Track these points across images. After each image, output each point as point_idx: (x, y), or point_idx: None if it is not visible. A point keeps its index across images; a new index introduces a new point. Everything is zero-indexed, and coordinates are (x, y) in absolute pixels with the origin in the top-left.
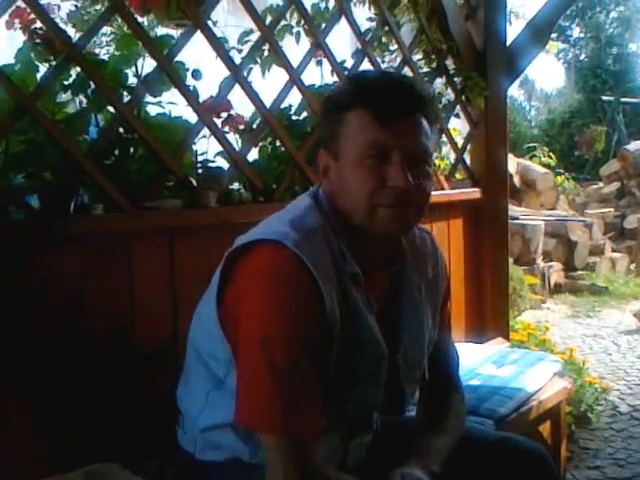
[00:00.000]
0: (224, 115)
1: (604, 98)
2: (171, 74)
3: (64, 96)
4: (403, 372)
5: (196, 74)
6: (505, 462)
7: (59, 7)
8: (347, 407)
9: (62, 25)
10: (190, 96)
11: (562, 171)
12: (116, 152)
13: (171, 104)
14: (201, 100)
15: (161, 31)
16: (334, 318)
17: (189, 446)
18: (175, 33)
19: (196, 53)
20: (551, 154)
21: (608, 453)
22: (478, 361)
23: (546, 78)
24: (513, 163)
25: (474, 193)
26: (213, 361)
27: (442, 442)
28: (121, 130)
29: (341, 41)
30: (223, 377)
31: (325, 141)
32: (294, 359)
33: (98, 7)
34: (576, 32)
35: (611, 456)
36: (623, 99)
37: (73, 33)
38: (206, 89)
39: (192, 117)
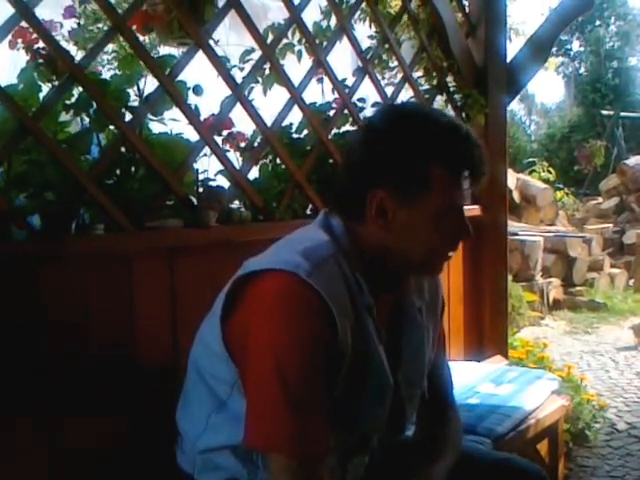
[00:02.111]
0: (225, 133)
1: (604, 112)
2: (173, 94)
3: (65, 115)
4: (405, 392)
5: (197, 90)
6: None
7: (61, 25)
8: (350, 433)
9: (64, 43)
10: (192, 115)
11: (561, 186)
12: (117, 172)
13: (173, 120)
14: (202, 118)
15: (162, 50)
16: (346, 346)
17: (188, 467)
18: (176, 52)
19: (197, 69)
20: (550, 169)
21: (606, 471)
22: (477, 379)
23: (546, 92)
24: (513, 178)
25: (474, 210)
26: (215, 382)
27: (440, 465)
28: (122, 149)
29: (340, 57)
30: (225, 398)
31: (389, 185)
32: (306, 383)
33: (100, 25)
34: (576, 46)
35: (609, 474)
36: (623, 113)
37: (75, 51)
38: (207, 105)
39: (192, 133)
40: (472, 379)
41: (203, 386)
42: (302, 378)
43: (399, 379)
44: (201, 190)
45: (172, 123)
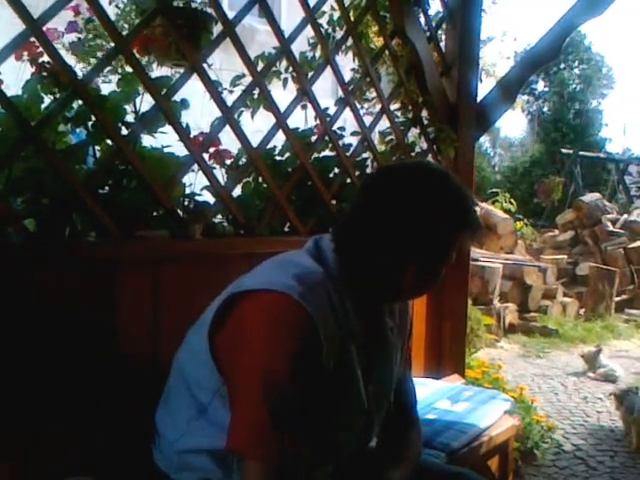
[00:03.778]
0: (212, 150)
1: (563, 151)
2: (168, 113)
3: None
4: (374, 405)
5: (184, 103)
6: None
7: (63, 34)
8: (323, 446)
9: (63, 52)
10: (183, 133)
11: (521, 217)
12: (110, 182)
13: (162, 133)
14: (192, 134)
15: (156, 70)
16: (327, 368)
17: (164, 465)
18: (169, 72)
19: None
20: (512, 200)
21: None
22: (434, 396)
23: (510, 127)
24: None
25: None
26: (198, 388)
27: (400, 471)
28: (115, 162)
29: (319, 84)
30: (206, 404)
31: (426, 259)
32: (288, 398)
33: (99, 41)
34: (540, 86)
35: None
36: (581, 152)
37: (74, 62)
38: (191, 118)
39: (178, 147)
40: (430, 395)
41: (185, 391)
42: (285, 392)
43: (370, 392)
44: (188, 204)
45: (160, 135)
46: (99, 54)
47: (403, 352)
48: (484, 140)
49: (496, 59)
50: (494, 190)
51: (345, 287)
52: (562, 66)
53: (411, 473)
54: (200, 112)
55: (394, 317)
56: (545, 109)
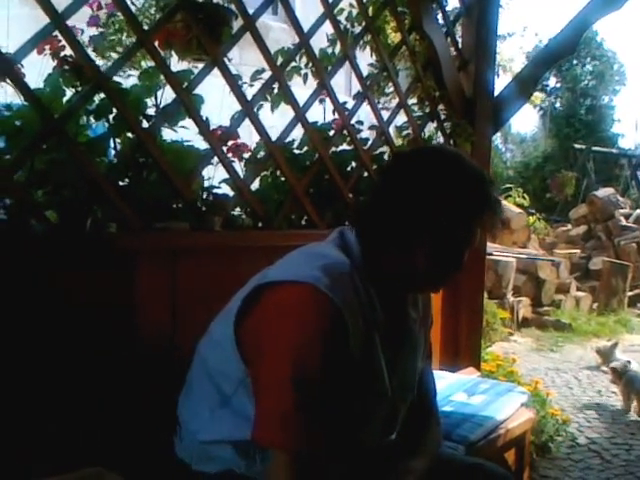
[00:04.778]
0: (230, 143)
1: (576, 146)
2: (189, 106)
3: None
4: (398, 398)
5: (198, 99)
6: None
7: (82, 31)
8: (348, 436)
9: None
10: (204, 127)
11: (534, 212)
12: (130, 174)
13: (183, 127)
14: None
15: (175, 65)
16: (354, 358)
17: (186, 456)
18: (186, 67)
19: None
20: (525, 195)
21: None
22: (451, 388)
23: (522, 123)
24: None
25: None
26: (222, 378)
27: (418, 463)
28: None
29: (334, 79)
30: (230, 395)
31: (443, 238)
32: (315, 388)
33: (120, 36)
34: (552, 82)
35: None
36: (594, 148)
37: (93, 57)
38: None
39: (197, 141)
40: (447, 388)
41: (209, 381)
42: (312, 382)
43: (394, 385)
44: (207, 196)
45: (178, 129)
46: (119, 49)
47: (425, 344)
48: (495, 136)
49: (514, 54)
50: (508, 186)
51: (369, 278)
52: (574, 62)
53: (431, 464)
54: (216, 108)
55: (417, 309)
56: (557, 105)
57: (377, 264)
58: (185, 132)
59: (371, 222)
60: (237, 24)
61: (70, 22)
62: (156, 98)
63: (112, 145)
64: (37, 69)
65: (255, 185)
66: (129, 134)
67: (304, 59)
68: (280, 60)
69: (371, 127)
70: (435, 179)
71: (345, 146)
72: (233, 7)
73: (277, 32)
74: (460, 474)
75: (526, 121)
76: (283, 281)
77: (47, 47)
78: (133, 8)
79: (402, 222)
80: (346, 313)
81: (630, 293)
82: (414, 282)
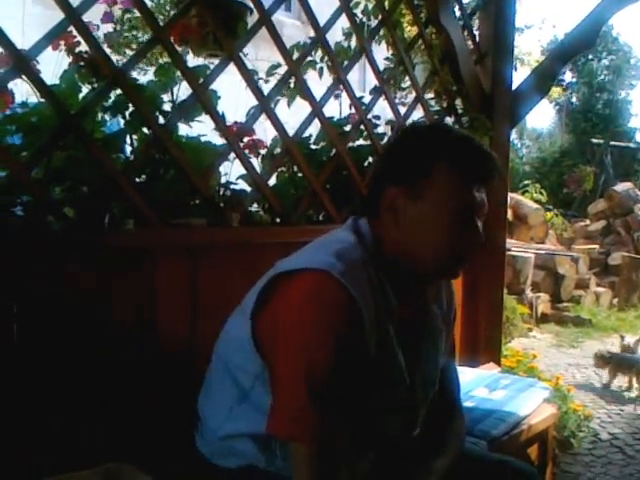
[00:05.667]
0: (246, 139)
1: (594, 141)
2: (205, 102)
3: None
4: (420, 394)
5: (214, 95)
6: None
7: (98, 27)
8: (367, 428)
9: None
10: (220, 122)
11: (551, 207)
12: (146, 171)
13: (199, 122)
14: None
15: (190, 61)
16: (370, 346)
17: (207, 451)
18: (204, 62)
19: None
20: (542, 191)
21: (588, 477)
22: (472, 384)
23: (538, 118)
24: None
25: None
26: (240, 373)
27: (441, 461)
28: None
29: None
30: (248, 389)
31: (399, 179)
32: (331, 378)
33: (135, 32)
34: (568, 77)
35: None
36: (612, 142)
37: (109, 53)
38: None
39: (212, 138)
40: (467, 383)
41: (227, 376)
42: (328, 373)
43: (416, 382)
44: (224, 192)
45: (193, 125)
46: (134, 46)
47: (447, 340)
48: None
49: (531, 48)
50: (526, 182)
51: (381, 262)
52: (590, 57)
53: (455, 461)
54: (230, 106)
55: (440, 304)
56: (573, 100)
57: (381, 243)
58: (200, 128)
59: (369, 191)
60: (251, 20)
61: (85, 19)
62: (172, 94)
63: (128, 142)
64: (51, 69)
65: (272, 181)
66: (145, 130)
67: (319, 53)
68: (296, 55)
69: (388, 122)
70: (415, 136)
71: (362, 141)
72: (248, 1)
73: (290, 29)
74: (485, 471)
75: (542, 116)
76: (296, 269)
77: (62, 43)
78: (149, 4)
79: (386, 179)
80: (360, 301)
81: None
82: (424, 266)
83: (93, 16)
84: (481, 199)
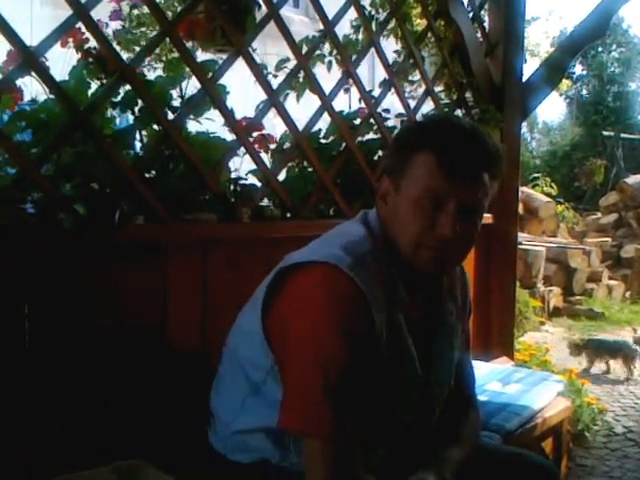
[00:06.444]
0: (255, 134)
1: (604, 133)
2: (214, 96)
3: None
4: (436, 391)
5: (223, 90)
6: (518, 475)
7: (107, 24)
8: (380, 421)
9: None
10: (230, 117)
11: (562, 200)
12: (156, 167)
13: (208, 119)
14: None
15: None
16: (380, 339)
17: (220, 447)
18: (213, 57)
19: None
20: (552, 184)
21: (603, 471)
22: (485, 378)
23: (548, 111)
24: None
25: (486, 218)
26: (252, 368)
27: (457, 453)
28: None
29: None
30: (260, 384)
31: (390, 171)
32: (344, 372)
33: (143, 29)
34: (578, 69)
35: (606, 474)
36: (622, 135)
37: (118, 50)
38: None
39: (221, 133)
40: (481, 377)
41: (239, 372)
42: (340, 367)
43: (431, 378)
44: (234, 187)
45: (202, 121)
46: (142, 42)
47: (462, 334)
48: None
49: (541, 39)
50: (536, 175)
51: (391, 258)
52: (600, 49)
53: (470, 454)
54: (238, 101)
55: (455, 299)
56: (584, 92)
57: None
58: (208, 124)
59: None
60: (259, 16)
61: (93, 17)
62: (181, 89)
63: (137, 137)
64: (59, 67)
65: (281, 176)
66: (155, 126)
67: (327, 47)
68: (305, 49)
69: (398, 115)
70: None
71: (372, 135)
72: None
73: (298, 25)
74: (501, 464)
75: (552, 109)
76: (305, 262)
77: (70, 40)
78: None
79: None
80: (368, 294)
81: None
82: (405, 257)
83: (101, 15)
84: (463, 187)
